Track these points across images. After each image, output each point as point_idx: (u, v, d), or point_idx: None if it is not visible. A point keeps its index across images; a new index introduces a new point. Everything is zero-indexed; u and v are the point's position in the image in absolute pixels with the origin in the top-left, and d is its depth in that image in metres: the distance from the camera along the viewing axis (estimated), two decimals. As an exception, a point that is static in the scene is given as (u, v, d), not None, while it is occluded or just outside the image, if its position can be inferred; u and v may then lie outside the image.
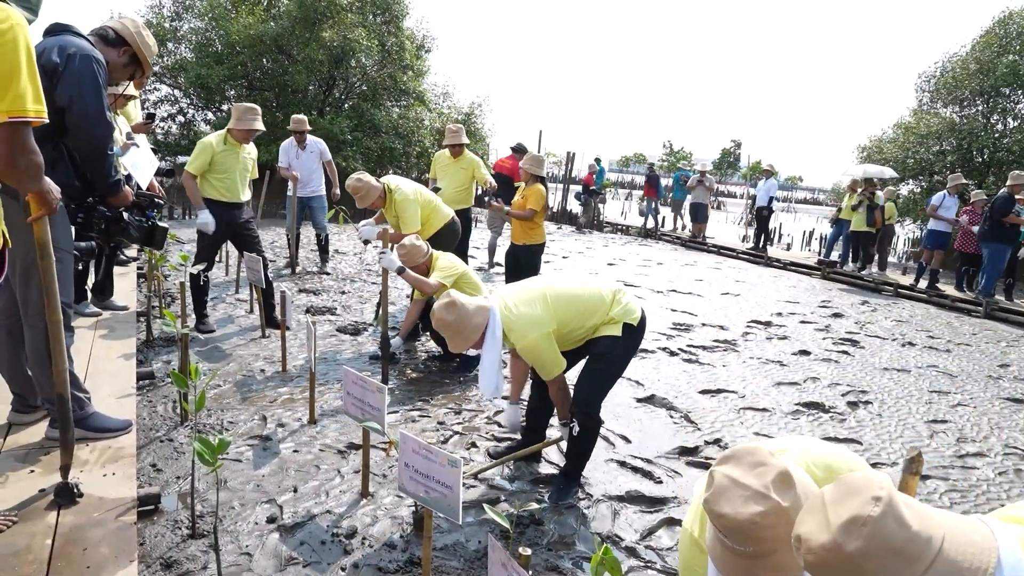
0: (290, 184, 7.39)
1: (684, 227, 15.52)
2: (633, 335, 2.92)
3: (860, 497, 0.96)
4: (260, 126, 4.87)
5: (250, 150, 5.02)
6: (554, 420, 3.75)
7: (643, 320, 2.96)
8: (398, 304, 6.20)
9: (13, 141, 1.76)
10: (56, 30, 2.56)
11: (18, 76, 1.73)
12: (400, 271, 4.18)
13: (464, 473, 2.63)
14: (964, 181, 9.79)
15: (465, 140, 6.60)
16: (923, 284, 9.79)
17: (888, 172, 12.21)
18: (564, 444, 3.22)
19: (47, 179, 2.02)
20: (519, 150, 11.00)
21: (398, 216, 4.89)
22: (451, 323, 2.71)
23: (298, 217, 7.56)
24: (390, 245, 4.21)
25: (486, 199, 6.90)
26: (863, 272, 10.61)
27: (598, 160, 16.24)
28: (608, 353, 2.88)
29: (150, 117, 5.16)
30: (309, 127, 7.49)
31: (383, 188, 4.85)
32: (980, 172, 13.96)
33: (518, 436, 3.45)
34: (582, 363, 3.02)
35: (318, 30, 14.06)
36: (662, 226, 15.40)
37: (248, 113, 4.81)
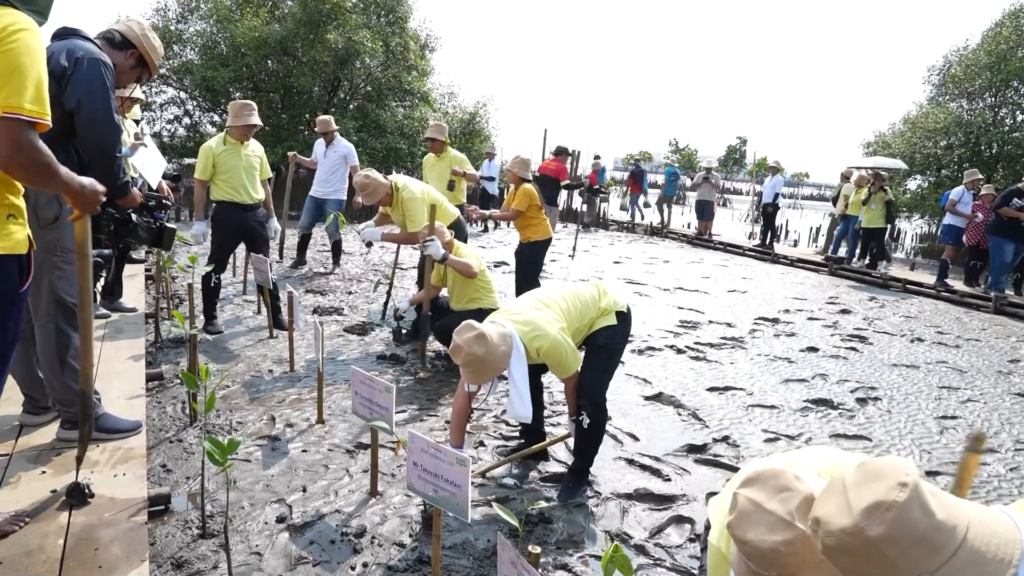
0: (314, 184, 7.49)
1: (668, 223, 15.42)
2: (626, 321, 3.08)
3: (885, 482, 0.94)
4: (256, 120, 4.86)
5: (254, 148, 5.00)
6: (560, 419, 3.76)
7: (629, 307, 3.13)
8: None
9: (9, 136, 1.75)
10: (63, 34, 2.58)
11: (18, 75, 1.73)
12: (443, 259, 4.26)
13: (472, 472, 2.64)
14: (980, 176, 9.72)
15: (443, 137, 6.83)
16: (930, 280, 9.72)
17: (898, 163, 12.10)
18: (571, 441, 3.22)
19: (81, 178, 2.02)
20: (560, 152, 11.33)
21: (405, 214, 4.90)
22: (482, 356, 2.55)
23: (313, 216, 7.57)
24: (434, 234, 4.38)
25: (466, 208, 6.98)
26: (881, 268, 10.50)
27: (598, 157, 16.24)
28: (609, 343, 3.00)
29: (135, 123, 5.13)
30: (335, 127, 7.58)
31: (390, 186, 4.86)
32: (989, 166, 13.83)
33: (520, 438, 3.46)
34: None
35: (322, 32, 14.08)
36: (666, 224, 15.34)
37: (243, 109, 4.81)
